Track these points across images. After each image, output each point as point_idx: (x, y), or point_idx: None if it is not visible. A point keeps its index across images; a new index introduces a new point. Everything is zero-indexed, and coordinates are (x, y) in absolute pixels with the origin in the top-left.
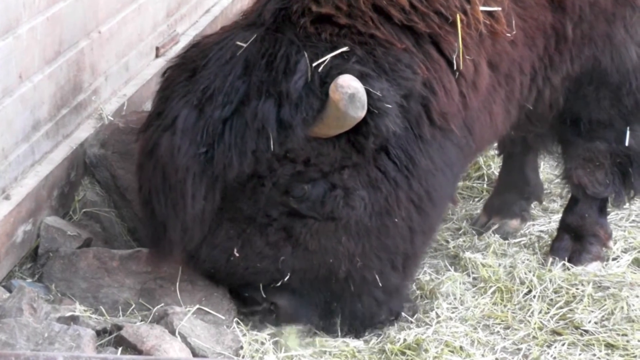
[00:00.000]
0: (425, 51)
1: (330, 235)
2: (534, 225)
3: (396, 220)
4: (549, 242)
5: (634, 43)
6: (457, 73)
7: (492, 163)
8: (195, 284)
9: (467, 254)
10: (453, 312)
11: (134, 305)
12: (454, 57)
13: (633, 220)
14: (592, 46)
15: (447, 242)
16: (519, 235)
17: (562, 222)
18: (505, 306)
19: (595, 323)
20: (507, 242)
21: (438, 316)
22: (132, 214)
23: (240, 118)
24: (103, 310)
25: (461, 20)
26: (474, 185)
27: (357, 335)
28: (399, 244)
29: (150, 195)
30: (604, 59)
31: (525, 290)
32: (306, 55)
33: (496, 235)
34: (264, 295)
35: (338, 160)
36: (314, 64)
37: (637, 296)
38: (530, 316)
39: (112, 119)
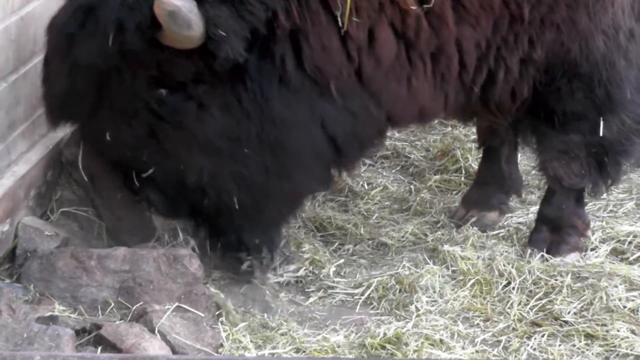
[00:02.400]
0: (304, 0)
1: (182, 143)
2: (512, 217)
3: (247, 151)
4: (528, 234)
5: (599, 32)
6: (344, 32)
7: (469, 156)
8: (174, 282)
9: (446, 247)
10: (432, 306)
11: (113, 304)
12: (339, 15)
13: (611, 211)
14: (554, 30)
15: (426, 235)
16: (497, 228)
17: (540, 213)
18: (484, 298)
19: (575, 314)
20: (485, 234)
21: (418, 309)
22: (110, 213)
23: (97, 11)
24: (82, 309)
25: None
26: (452, 178)
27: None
28: (254, 176)
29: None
30: (573, 46)
31: (505, 282)
32: None
33: (474, 227)
34: (138, 184)
35: (192, 73)
36: None
37: (616, 286)
38: (509, 308)
39: None
